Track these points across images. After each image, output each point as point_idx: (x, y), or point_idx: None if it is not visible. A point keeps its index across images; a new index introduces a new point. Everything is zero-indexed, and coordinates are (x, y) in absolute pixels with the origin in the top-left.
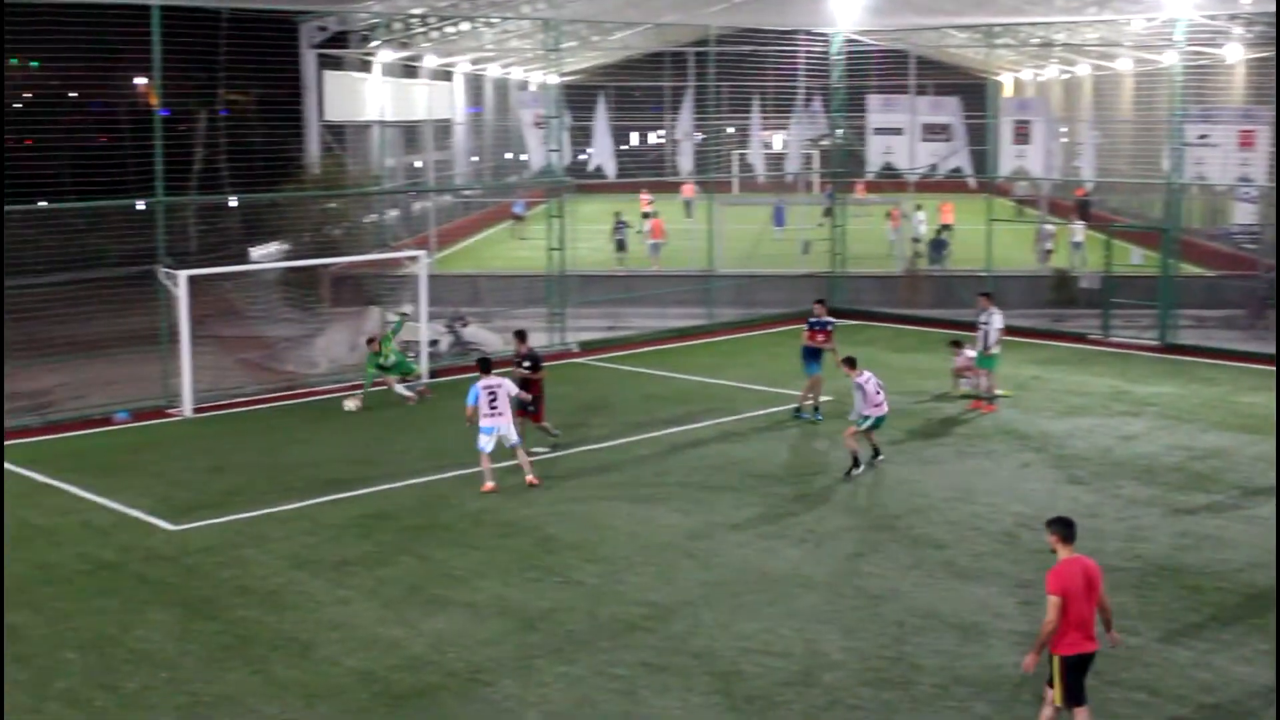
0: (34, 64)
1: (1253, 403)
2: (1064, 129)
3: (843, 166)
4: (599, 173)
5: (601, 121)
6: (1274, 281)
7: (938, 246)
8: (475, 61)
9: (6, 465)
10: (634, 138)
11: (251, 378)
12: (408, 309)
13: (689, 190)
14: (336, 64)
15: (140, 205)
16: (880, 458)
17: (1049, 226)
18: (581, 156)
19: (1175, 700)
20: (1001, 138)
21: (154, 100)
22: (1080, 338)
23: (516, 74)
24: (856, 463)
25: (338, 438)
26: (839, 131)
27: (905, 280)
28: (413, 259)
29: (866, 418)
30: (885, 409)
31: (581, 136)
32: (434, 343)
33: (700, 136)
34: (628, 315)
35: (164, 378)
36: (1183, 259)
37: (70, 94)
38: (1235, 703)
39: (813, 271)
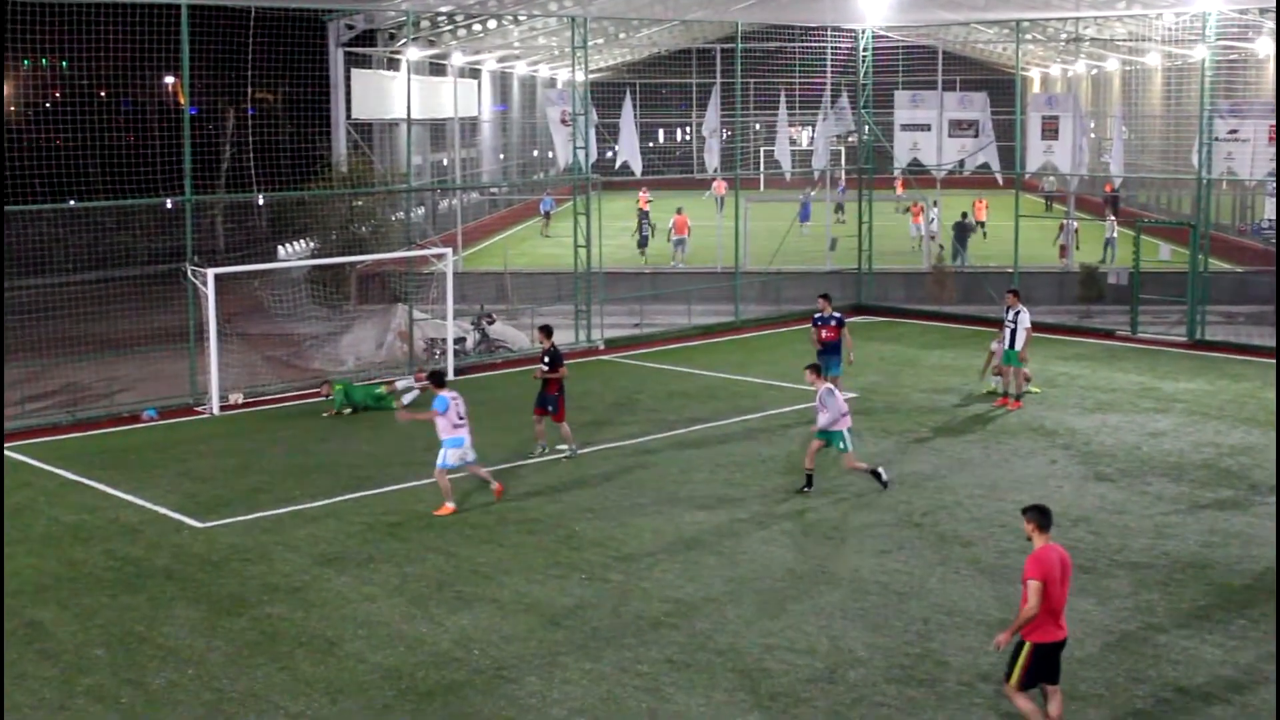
0: (64, 64)
1: None
2: (1092, 124)
3: (869, 163)
4: (626, 170)
5: (628, 119)
6: None
7: (961, 231)
8: (502, 59)
9: (35, 463)
10: (661, 135)
11: (278, 375)
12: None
13: (720, 187)
14: (364, 62)
15: (169, 204)
16: (887, 480)
17: (1073, 223)
18: (608, 154)
19: (1202, 698)
20: (1029, 133)
21: (182, 99)
22: (1108, 334)
23: (543, 71)
24: (810, 481)
25: (364, 435)
26: (866, 128)
27: (932, 276)
28: (439, 257)
29: (838, 433)
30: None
31: (608, 134)
32: (460, 340)
33: (727, 133)
34: (654, 312)
35: (191, 375)
36: (1211, 254)
37: (100, 93)
38: (1265, 701)
39: (839, 268)
